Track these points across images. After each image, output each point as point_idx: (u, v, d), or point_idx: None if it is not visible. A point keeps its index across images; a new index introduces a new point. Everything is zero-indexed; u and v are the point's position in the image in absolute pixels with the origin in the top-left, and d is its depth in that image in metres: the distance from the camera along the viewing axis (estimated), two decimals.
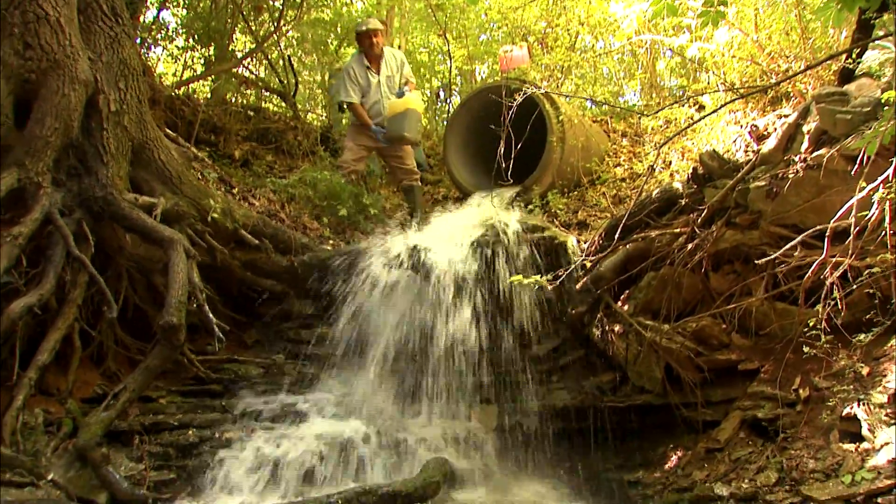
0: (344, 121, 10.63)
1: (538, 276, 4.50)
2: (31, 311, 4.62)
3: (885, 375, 3.87)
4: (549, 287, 4.60)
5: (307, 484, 4.78)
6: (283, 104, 10.64)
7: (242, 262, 6.18)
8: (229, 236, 6.03)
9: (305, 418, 5.45)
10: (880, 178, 3.64)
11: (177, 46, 9.60)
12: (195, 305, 5.28)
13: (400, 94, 7.97)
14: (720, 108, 5.93)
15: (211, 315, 5.36)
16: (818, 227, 3.97)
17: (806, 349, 4.14)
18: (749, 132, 5.79)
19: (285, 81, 10.45)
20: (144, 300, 5.73)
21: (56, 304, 4.94)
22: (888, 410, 3.66)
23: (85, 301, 5.16)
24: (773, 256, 4.11)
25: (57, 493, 4.14)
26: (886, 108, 3.69)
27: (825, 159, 4.17)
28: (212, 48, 9.27)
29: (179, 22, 9.50)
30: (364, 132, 8.15)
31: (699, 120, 5.88)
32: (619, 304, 5.43)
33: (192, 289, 5.25)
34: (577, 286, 5.53)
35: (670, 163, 7.20)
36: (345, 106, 8.24)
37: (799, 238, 4.03)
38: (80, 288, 5.04)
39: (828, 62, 5.71)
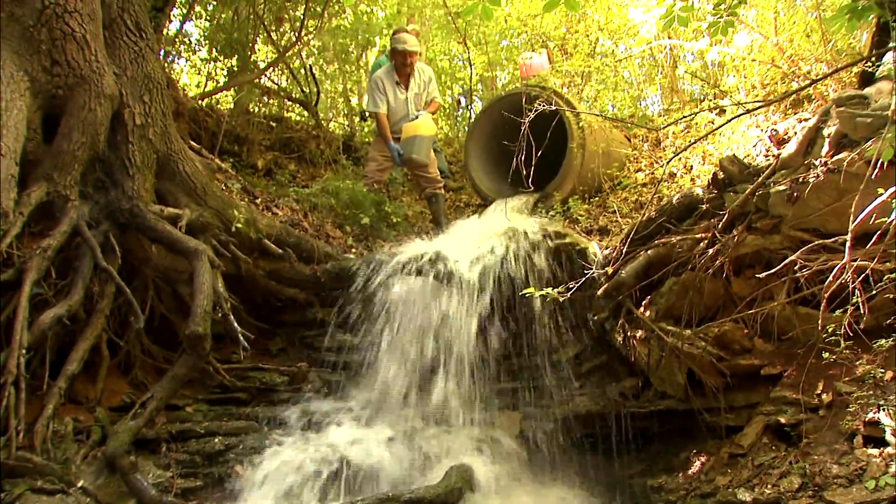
0: (365, 128, 10.72)
1: (550, 289, 4.54)
2: (60, 322, 4.72)
3: None
4: (561, 299, 4.63)
5: (331, 491, 4.82)
6: (305, 113, 10.71)
7: (266, 272, 6.24)
8: (253, 246, 6.10)
9: (329, 425, 5.50)
10: None
11: (200, 58, 9.74)
12: (220, 315, 5.36)
13: (414, 118, 8.02)
14: (734, 118, 5.93)
15: (236, 324, 5.42)
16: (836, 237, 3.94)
17: (826, 354, 4.12)
18: (769, 136, 5.77)
19: (307, 91, 10.54)
20: (170, 310, 5.81)
21: (84, 314, 5.04)
22: None
23: (112, 311, 5.27)
24: (790, 259, 4.08)
25: (87, 500, 4.22)
26: None
27: (846, 163, 4.15)
28: (234, 59, 9.36)
29: (202, 34, 9.64)
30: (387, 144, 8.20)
31: (715, 130, 5.88)
32: (641, 309, 5.42)
33: (217, 298, 5.34)
34: (599, 292, 5.53)
35: (691, 167, 7.17)
36: (367, 115, 8.28)
37: (816, 242, 4.01)
38: (107, 298, 5.14)
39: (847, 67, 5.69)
